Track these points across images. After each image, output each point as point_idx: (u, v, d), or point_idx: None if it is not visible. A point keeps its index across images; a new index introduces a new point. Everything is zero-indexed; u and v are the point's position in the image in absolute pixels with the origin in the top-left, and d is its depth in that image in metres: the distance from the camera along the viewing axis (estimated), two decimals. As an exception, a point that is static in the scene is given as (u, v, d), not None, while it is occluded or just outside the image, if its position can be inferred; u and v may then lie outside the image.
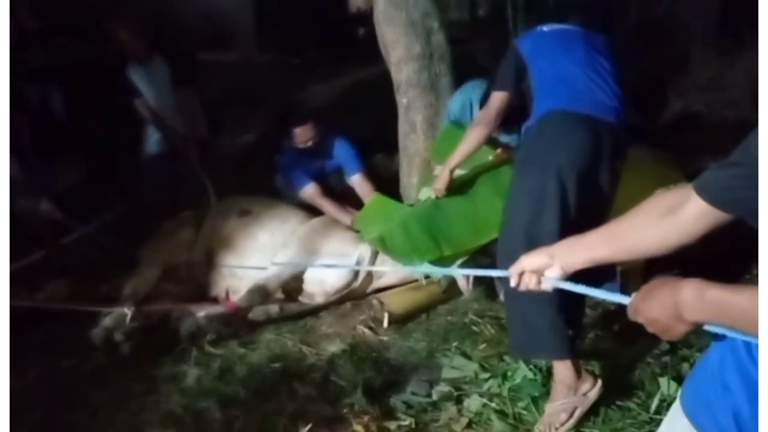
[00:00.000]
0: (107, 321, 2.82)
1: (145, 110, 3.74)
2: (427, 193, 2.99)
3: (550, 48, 2.31)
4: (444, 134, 3.23)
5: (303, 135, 3.33)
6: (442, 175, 2.72)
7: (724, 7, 6.68)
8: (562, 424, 2.06)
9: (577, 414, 2.08)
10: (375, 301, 3.01)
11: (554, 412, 2.09)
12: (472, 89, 3.24)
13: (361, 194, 3.47)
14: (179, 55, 3.82)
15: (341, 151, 3.51)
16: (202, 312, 2.77)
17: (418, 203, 3.01)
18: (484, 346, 2.63)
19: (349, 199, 3.48)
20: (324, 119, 3.57)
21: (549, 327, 2.05)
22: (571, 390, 2.08)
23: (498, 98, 2.42)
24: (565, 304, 2.05)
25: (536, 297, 1.99)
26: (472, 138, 2.52)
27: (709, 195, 1.01)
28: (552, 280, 1.28)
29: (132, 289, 3.03)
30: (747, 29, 5.44)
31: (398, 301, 2.98)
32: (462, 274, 2.88)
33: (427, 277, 2.98)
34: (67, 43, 5.26)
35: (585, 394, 2.10)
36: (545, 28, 2.39)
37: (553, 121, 2.14)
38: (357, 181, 3.49)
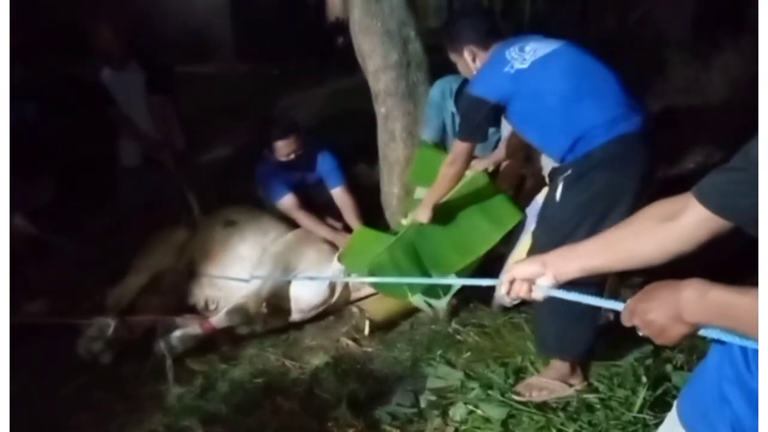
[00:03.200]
0: (91, 331, 2.78)
1: (118, 118, 3.69)
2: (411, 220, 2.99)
3: (556, 75, 2.18)
4: (420, 157, 3.23)
5: (285, 148, 3.26)
6: (425, 211, 2.70)
7: (700, 12, 6.79)
8: (538, 396, 2.26)
9: (554, 396, 2.26)
10: (355, 309, 2.98)
11: (537, 383, 2.31)
12: (451, 79, 3.25)
13: (341, 207, 3.41)
14: (155, 62, 3.75)
15: (323, 164, 3.45)
16: (178, 332, 2.71)
17: (401, 230, 2.97)
18: (468, 354, 2.63)
19: (330, 210, 3.43)
20: (307, 131, 3.53)
21: (582, 331, 2.21)
22: (562, 376, 2.29)
23: (465, 147, 2.43)
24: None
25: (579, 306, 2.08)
26: (447, 178, 2.56)
27: (708, 201, 1.00)
28: (544, 288, 1.27)
29: (114, 298, 2.99)
30: (722, 33, 5.53)
31: (378, 308, 2.96)
32: (450, 284, 2.87)
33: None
34: (44, 59, 5.22)
35: (570, 385, 2.28)
36: (518, 64, 2.21)
37: (620, 148, 2.08)
38: (338, 195, 3.43)
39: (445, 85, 3.26)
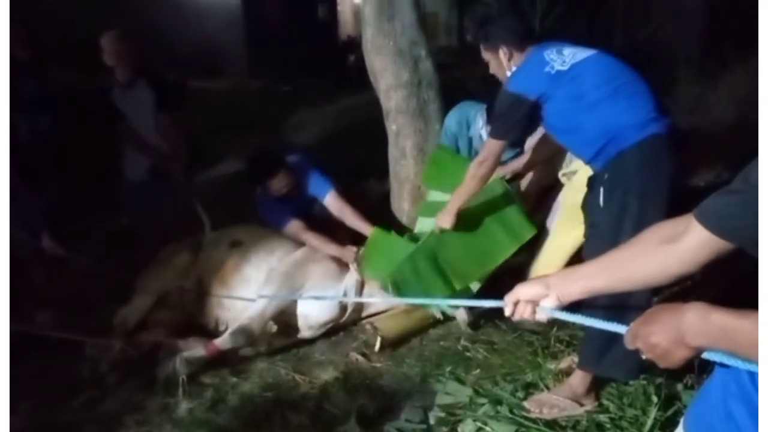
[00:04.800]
0: (94, 352, 2.81)
1: (127, 133, 3.74)
2: (425, 224, 2.98)
3: (595, 78, 2.24)
4: (434, 159, 3.26)
5: (278, 184, 3.26)
6: (449, 216, 2.71)
7: (707, 31, 6.82)
8: (548, 413, 2.25)
9: (564, 414, 2.24)
10: (368, 326, 2.99)
11: (548, 400, 2.28)
12: (468, 107, 3.33)
13: (338, 214, 3.34)
14: (163, 81, 3.82)
15: (309, 181, 3.39)
16: (183, 354, 2.69)
17: (420, 236, 2.98)
18: (477, 371, 2.63)
19: (335, 223, 3.37)
20: (311, 148, 3.50)
21: (622, 351, 2.12)
22: (574, 395, 2.28)
23: (499, 146, 2.46)
24: None
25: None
26: (476, 179, 2.57)
27: (710, 223, 1.01)
28: (547, 310, 1.28)
29: (122, 318, 3.02)
30: (730, 52, 5.55)
31: (391, 325, 2.97)
32: (454, 306, 2.89)
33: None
34: (59, 73, 5.29)
35: (581, 405, 2.27)
36: (558, 65, 2.28)
37: (652, 149, 2.12)
38: (330, 202, 3.34)
39: (462, 114, 3.30)
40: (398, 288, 2.79)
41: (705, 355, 0.94)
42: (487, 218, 2.87)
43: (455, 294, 2.71)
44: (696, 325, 0.91)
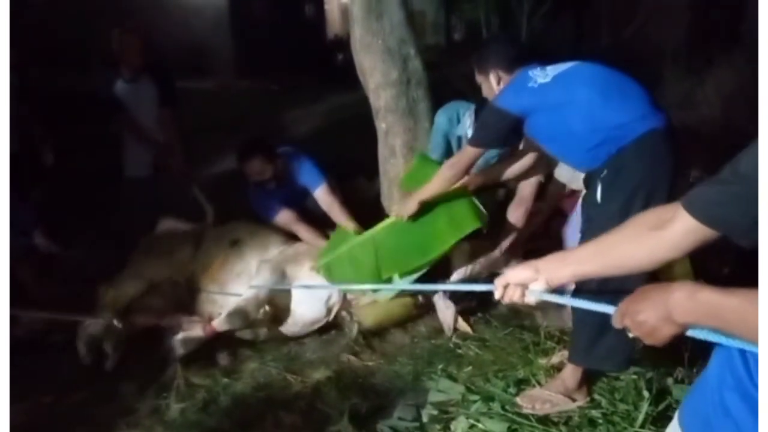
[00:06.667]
0: (92, 328, 2.82)
1: (128, 125, 3.77)
2: None
3: (580, 84, 2.24)
4: (417, 165, 3.26)
5: (253, 169, 3.24)
6: (411, 205, 2.78)
7: (694, 27, 6.88)
8: (540, 408, 2.26)
9: (556, 409, 2.25)
10: (344, 312, 3.00)
11: (540, 396, 2.30)
12: (458, 105, 3.36)
13: (326, 209, 3.34)
14: (166, 76, 3.88)
15: (302, 172, 3.37)
16: (180, 335, 2.73)
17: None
18: (469, 368, 2.64)
19: (329, 219, 3.37)
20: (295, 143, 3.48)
21: (611, 342, 2.16)
22: (566, 390, 2.30)
23: (475, 153, 2.50)
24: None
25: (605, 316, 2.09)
26: (444, 180, 2.65)
27: (696, 211, 1.04)
28: (536, 293, 1.30)
29: (112, 297, 2.99)
30: (716, 48, 5.61)
31: (368, 312, 2.98)
32: (445, 290, 2.91)
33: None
34: (44, 74, 5.26)
35: (573, 400, 2.28)
36: (541, 79, 2.28)
37: (651, 144, 2.13)
38: (320, 196, 3.34)
39: (452, 111, 3.33)
40: (329, 270, 2.90)
41: (690, 332, 0.96)
42: (439, 208, 2.87)
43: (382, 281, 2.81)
44: (684, 303, 0.93)
